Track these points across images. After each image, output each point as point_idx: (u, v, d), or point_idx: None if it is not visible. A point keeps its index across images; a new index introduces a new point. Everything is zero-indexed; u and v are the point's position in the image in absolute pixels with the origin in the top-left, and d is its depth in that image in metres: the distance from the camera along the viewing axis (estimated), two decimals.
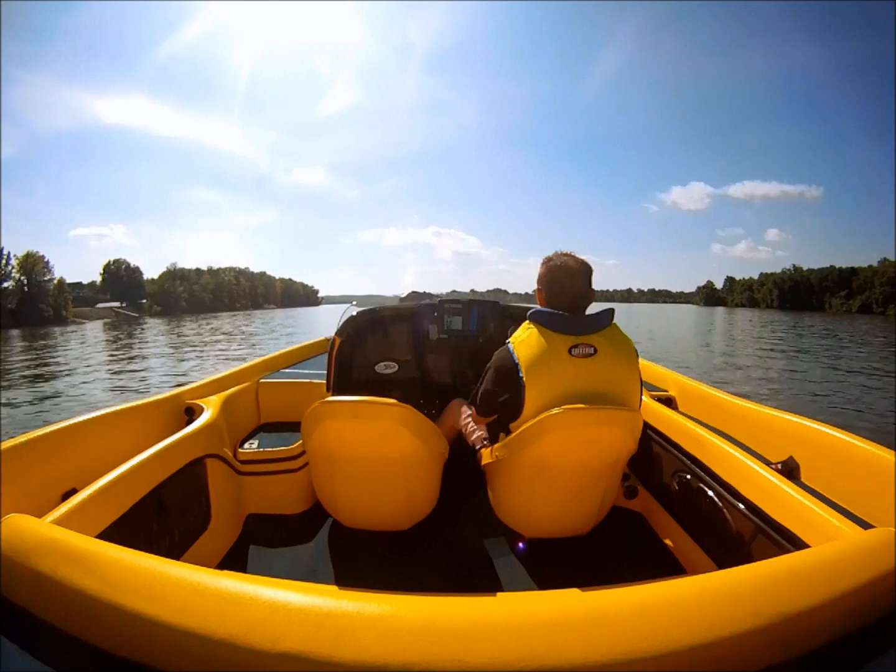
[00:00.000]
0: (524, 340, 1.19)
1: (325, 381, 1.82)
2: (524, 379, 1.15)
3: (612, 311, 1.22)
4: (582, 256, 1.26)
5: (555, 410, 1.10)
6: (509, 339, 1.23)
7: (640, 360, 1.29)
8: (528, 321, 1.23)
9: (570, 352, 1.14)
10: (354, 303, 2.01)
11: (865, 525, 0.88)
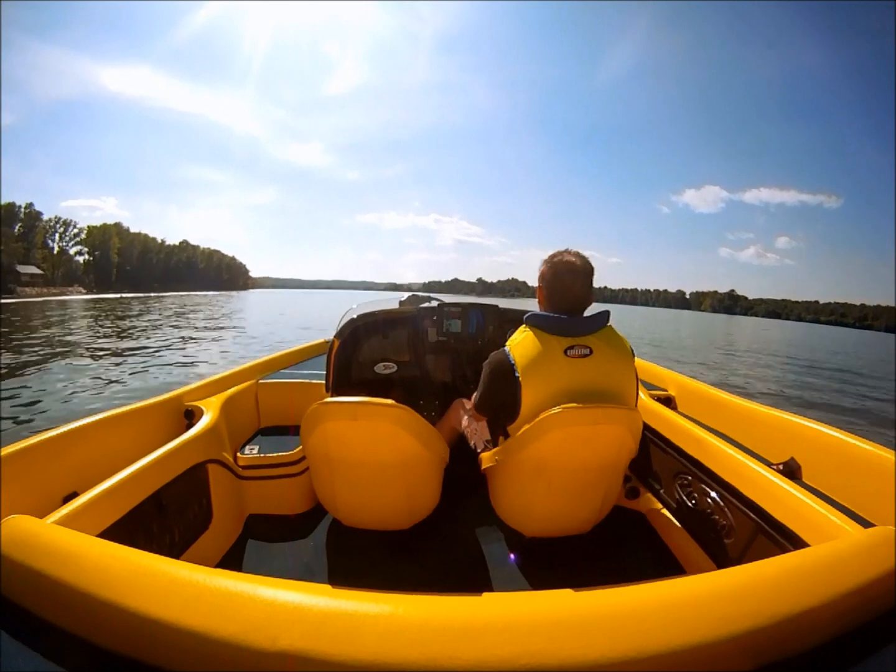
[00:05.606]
0: (520, 342, 1.21)
1: (324, 382, 1.83)
2: (520, 379, 1.16)
3: (607, 312, 1.24)
4: (585, 253, 1.24)
5: (554, 410, 1.10)
6: (506, 343, 1.26)
7: (638, 360, 1.29)
8: (524, 325, 1.25)
9: (565, 352, 1.15)
10: (356, 305, 1.99)
11: (866, 524, 0.88)
